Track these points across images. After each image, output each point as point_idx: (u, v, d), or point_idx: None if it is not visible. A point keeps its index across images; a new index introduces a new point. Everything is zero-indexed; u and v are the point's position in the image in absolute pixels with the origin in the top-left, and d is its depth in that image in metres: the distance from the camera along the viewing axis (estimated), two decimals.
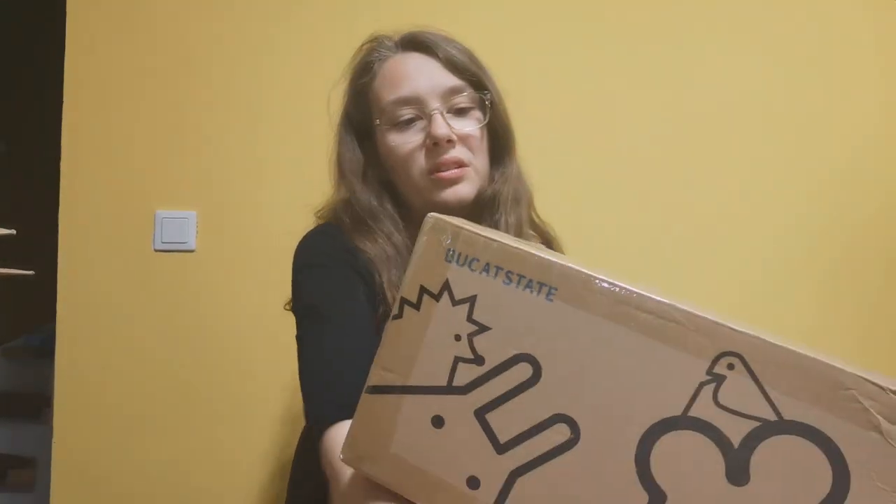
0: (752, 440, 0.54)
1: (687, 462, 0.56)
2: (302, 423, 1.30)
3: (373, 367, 0.67)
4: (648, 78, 1.79)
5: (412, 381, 0.65)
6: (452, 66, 1.07)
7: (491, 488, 0.61)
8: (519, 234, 1.11)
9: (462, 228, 0.64)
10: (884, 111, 1.81)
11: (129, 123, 1.72)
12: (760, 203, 1.78)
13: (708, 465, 0.55)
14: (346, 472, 0.76)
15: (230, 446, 1.68)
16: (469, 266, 0.63)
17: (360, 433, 0.67)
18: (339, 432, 0.83)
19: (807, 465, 0.53)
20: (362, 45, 1.16)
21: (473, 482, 0.62)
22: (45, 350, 2.72)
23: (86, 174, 1.70)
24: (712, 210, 1.77)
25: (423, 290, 0.65)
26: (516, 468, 0.60)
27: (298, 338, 1.01)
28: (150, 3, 1.74)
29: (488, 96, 1.09)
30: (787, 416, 0.53)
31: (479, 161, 1.08)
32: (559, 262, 0.61)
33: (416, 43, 1.10)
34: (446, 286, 0.64)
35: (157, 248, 1.69)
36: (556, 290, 0.60)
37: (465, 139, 1.06)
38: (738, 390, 0.55)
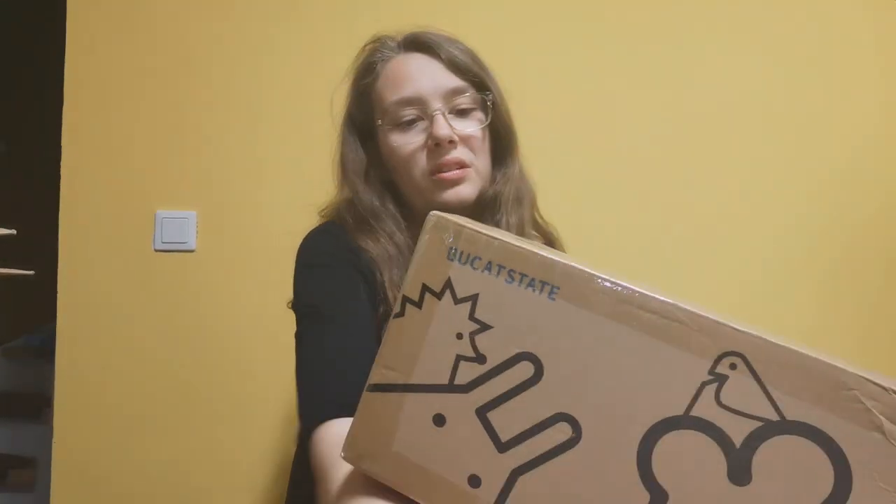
0: (754, 440, 0.54)
1: (689, 462, 0.56)
2: None
3: (374, 365, 0.67)
4: (648, 78, 1.79)
5: (414, 380, 0.64)
6: (455, 66, 1.07)
7: (492, 487, 0.61)
8: (521, 234, 1.11)
9: (464, 227, 0.64)
10: (884, 111, 1.81)
11: (130, 123, 1.72)
12: (760, 203, 1.78)
13: (710, 464, 0.55)
14: (337, 469, 0.76)
15: (230, 446, 1.68)
16: (471, 264, 0.63)
17: (361, 431, 0.67)
18: (330, 431, 0.83)
19: (809, 466, 0.53)
20: (365, 46, 1.16)
21: (475, 481, 0.62)
22: (45, 350, 2.72)
23: (86, 174, 1.70)
24: (712, 210, 1.78)
25: (425, 289, 0.65)
26: (517, 467, 0.60)
27: (297, 336, 1.01)
28: (150, 3, 1.74)
29: (490, 97, 1.09)
30: (789, 416, 0.53)
31: (480, 162, 1.08)
32: (562, 260, 0.61)
33: (418, 43, 1.10)
34: (448, 284, 0.63)
35: (157, 248, 1.69)
36: (558, 288, 0.60)
37: (466, 140, 1.06)
38: (740, 390, 0.55)
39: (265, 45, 1.74)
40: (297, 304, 1.04)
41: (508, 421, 0.61)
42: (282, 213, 1.70)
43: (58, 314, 1.68)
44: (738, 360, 0.55)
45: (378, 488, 0.68)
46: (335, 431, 0.83)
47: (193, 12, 1.74)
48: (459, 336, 0.63)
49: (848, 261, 1.79)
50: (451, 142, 1.04)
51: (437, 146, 1.04)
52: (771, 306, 1.77)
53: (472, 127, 1.07)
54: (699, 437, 0.55)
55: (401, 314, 0.66)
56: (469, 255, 0.63)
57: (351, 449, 0.67)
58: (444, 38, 1.10)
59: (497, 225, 1.09)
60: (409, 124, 1.06)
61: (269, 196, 1.71)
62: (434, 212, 0.66)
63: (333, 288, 1.00)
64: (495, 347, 0.62)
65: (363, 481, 0.70)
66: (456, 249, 0.64)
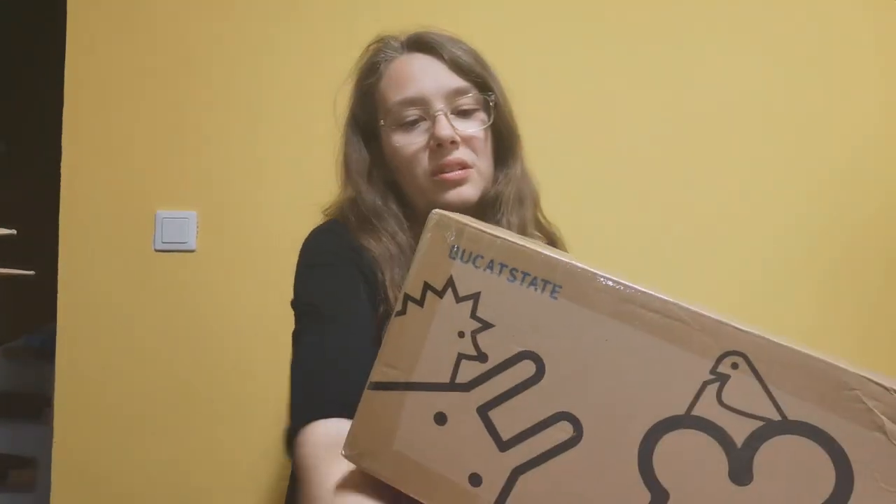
0: (756, 440, 0.54)
1: (690, 461, 0.56)
2: None
3: (375, 363, 0.67)
4: (648, 78, 1.79)
5: (415, 378, 0.64)
6: (457, 67, 1.07)
7: (493, 486, 0.61)
8: (522, 234, 1.11)
9: (467, 225, 0.64)
10: (884, 111, 1.81)
11: (130, 123, 1.72)
12: (760, 203, 1.78)
13: (711, 464, 0.55)
14: (320, 470, 0.76)
15: (230, 446, 1.68)
16: (473, 263, 0.63)
17: (361, 430, 0.67)
18: (317, 431, 0.83)
19: (810, 466, 0.53)
20: (369, 46, 1.17)
21: (475, 479, 0.62)
22: (45, 351, 2.72)
23: (86, 174, 1.70)
24: (712, 210, 1.77)
25: (426, 287, 0.65)
26: (518, 466, 0.60)
27: (294, 334, 1.01)
28: (150, 3, 1.74)
29: (493, 97, 1.10)
30: (790, 415, 0.53)
31: (482, 162, 1.08)
32: (564, 259, 0.61)
33: (421, 44, 1.11)
34: (450, 283, 0.63)
35: (157, 248, 1.69)
36: (560, 287, 0.60)
37: (468, 140, 1.06)
38: (741, 390, 0.55)
39: (265, 45, 1.74)
40: (296, 303, 1.04)
41: (509, 420, 0.61)
42: (282, 213, 1.70)
43: (58, 314, 1.68)
44: (739, 360, 0.55)
45: (362, 490, 0.68)
46: (322, 432, 0.83)
47: (193, 12, 1.74)
48: (461, 334, 0.63)
49: (848, 261, 1.78)
50: (453, 142, 1.04)
51: (439, 147, 1.04)
52: (771, 306, 1.77)
53: (475, 127, 1.07)
54: (700, 436, 0.56)
55: (402, 312, 0.66)
56: (471, 253, 0.63)
57: (351, 447, 0.67)
58: (448, 39, 1.10)
59: (497, 225, 1.09)
60: (412, 125, 1.06)
61: (269, 196, 1.71)
62: (436, 210, 0.66)
63: (333, 287, 1.00)
64: (497, 346, 0.62)
65: (347, 483, 0.70)
66: (458, 248, 0.64)
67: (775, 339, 0.54)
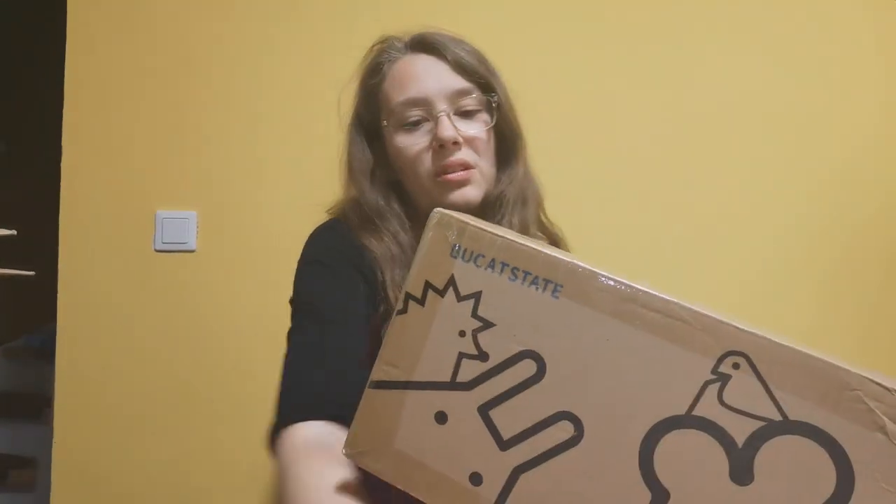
0: (757, 440, 0.54)
1: (690, 461, 0.56)
2: None
3: (377, 362, 0.67)
4: (648, 78, 1.79)
5: (416, 377, 0.64)
6: (460, 68, 1.07)
7: (493, 485, 0.61)
8: (524, 234, 1.11)
9: (468, 224, 0.64)
10: (884, 111, 1.81)
11: (130, 123, 1.72)
12: (760, 203, 1.78)
13: (712, 464, 0.55)
14: (297, 469, 0.77)
15: (230, 446, 1.68)
16: (475, 262, 0.63)
17: (362, 428, 0.67)
18: (298, 433, 0.84)
19: (811, 466, 0.53)
20: (373, 46, 1.17)
21: (476, 478, 0.62)
22: (45, 351, 2.72)
23: (86, 174, 1.70)
24: (712, 210, 1.77)
25: (427, 286, 0.65)
26: (519, 465, 0.60)
27: (289, 331, 1.01)
28: (150, 3, 1.74)
29: (496, 98, 1.09)
30: (791, 416, 0.53)
31: (484, 163, 1.08)
32: (565, 259, 0.61)
33: (424, 44, 1.10)
34: (451, 282, 0.63)
35: (157, 248, 1.69)
36: (561, 287, 0.60)
37: (471, 141, 1.06)
38: (743, 390, 0.55)
39: (265, 45, 1.74)
40: (293, 300, 1.04)
41: (510, 419, 0.61)
42: (282, 213, 1.70)
43: (58, 314, 1.68)
44: (741, 360, 0.55)
45: (337, 490, 0.69)
46: (301, 434, 0.83)
47: (193, 12, 1.74)
48: (462, 333, 0.63)
49: (848, 261, 1.78)
50: (456, 143, 1.04)
51: (441, 147, 1.04)
52: (771, 306, 1.77)
53: (477, 128, 1.07)
54: (701, 436, 0.56)
55: (403, 311, 0.66)
56: (472, 252, 0.63)
57: (352, 446, 0.67)
58: (451, 39, 1.10)
59: (499, 225, 1.09)
60: (415, 125, 1.06)
61: (269, 196, 1.71)
62: (438, 209, 0.66)
63: (328, 286, 1.00)
64: (498, 345, 0.62)
65: (321, 484, 0.72)
66: (459, 247, 0.64)
67: (777, 340, 0.54)
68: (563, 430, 0.59)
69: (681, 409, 0.56)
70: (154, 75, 1.72)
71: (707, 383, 0.55)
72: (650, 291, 0.58)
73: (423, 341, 0.64)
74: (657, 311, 0.57)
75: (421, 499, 0.64)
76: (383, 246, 1.04)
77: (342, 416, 0.83)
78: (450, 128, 1.03)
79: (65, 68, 1.71)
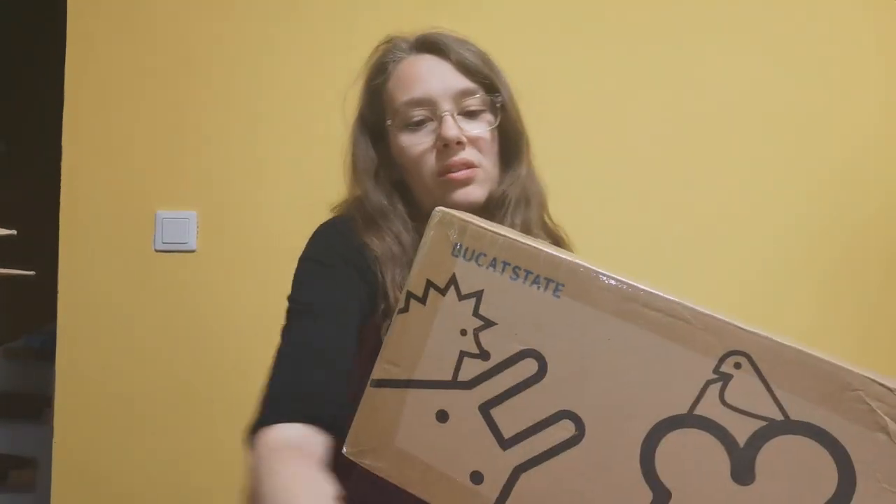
0: (758, 439, 0.54)
1: (692, 460, 0.56)
2: None
3: (377, 360, 0.67)
4: (648, 78, 1.79)
5: (417, 376, 0.64)
6: (465, 68, 1.07)
7: (494, 483, 0.61)
8: (528, 234, 1.11)
9: (469, 223, 0.64)
10: (884, 111, 1.81)
11: (129, 123, 1.72)
12: (760, 203, 1.78)
13: (713, 463, 0.55)
14: (264, 470, 0.77)
15: (230, 446, 1.67)
16: (476, 261, 0.63)
17: (363, 427, 0.67)
18: (272, 434, 0.84)
19: (812, 466, 0.53)
20: (378, 46, 1.17)
21: (477, 477, 0.62)
22: (45, 351, 2.72)
23: (86, 174, 1.70)
24: (712, 210, 1.77)
25: (429, 284, 0.64)
26: (520, 464, 0.60)
27: (282, 328, 1.01)
28: (150, 3, 1.74)
29: (499, 99, 1.10)
30: (793, 416, 0.53)
31: (488, 163, 1.08)
32: (567, 258, 0.61)
33: (429, 45, 1.11)
34: (453, 280, 0.63)
35: (157, 248, 1.69)
36: (563, 286, 0.60)
37: (474, 141, 1.06)
38: (744, 389, 0.55)
39: (265, 45, 1.74)
40: (289, 297, 1.04)
41: (511, 418, 0.61)
42: (282, 213, 1.70)
43: (58, 314, 1.68)
44: (743, 360, 0.55)
45: (301, 488, 0.70)
46: (273, 436, 0.83)
47: (193, 12, 1.74)
48: (463, 332, 0.63)
49: (848, 261, 1.78)
50: (460, 143, 1.04)
51: (445, 147, 1.04)
52: (771, 306, 1.77)
53: (481, 128, 1.07)
54: (703, 435, 0.55)
55: (405, 310, 0.66)
56: (474, 251, 0.63)
57: (353, 444, 0.67)
58: (455, 40, 1.11)
59: (502, 225, 1.09)
60: (419, 125, 1.06)
61: (269, 196, 1.71)
62: (439, 208, 0.66)
63: (324, 287, 1.00)
64: (499, 344, 0.62)
65: (296, 487, 0.72)
66: (461, 245, 0.64)
67: (778, 339, 0.54)
68: (564, 430, 0.59)
69: (682, 409, 0.56)
70: (154, 75, 1.73)
71: (708, 383, 0.55)
72: (652, 291, 0.58)
73: (425, 340, 0.64)
74: (659, 311, 0.57)
75: (421, 497, 0.64)
76: (385, 245, 1.04)
77: (321, 419, 0.84)
78: (454, 127, 1.03)
79: (65, 68, 1.71)
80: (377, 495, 0.84)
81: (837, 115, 1.80)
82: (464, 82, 1.06)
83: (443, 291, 0.64)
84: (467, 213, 0.67)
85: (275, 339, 1.64)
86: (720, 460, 0.55)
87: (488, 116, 1.09)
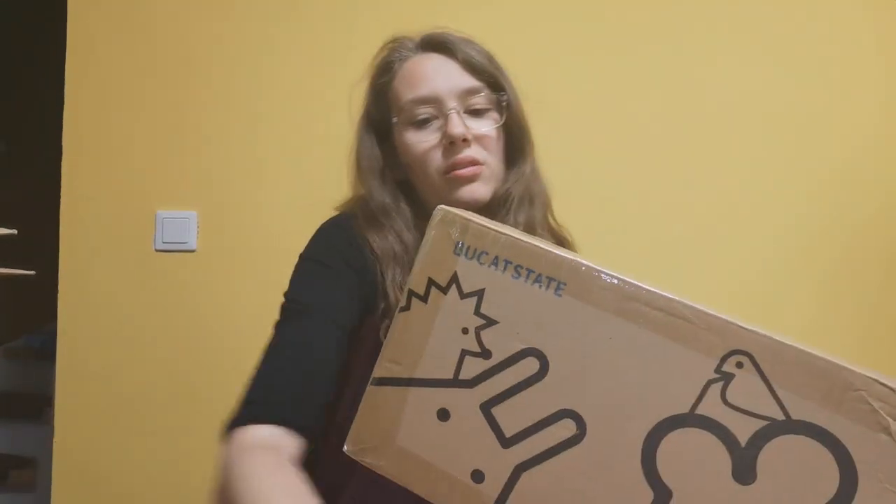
0: (760, 439, 0.54)
1: (693, 460, 0.56)
2: None
3: (379, 358, 0.67)
4: (648, 78, 1.79)
5: (418, 374, 0.64)
6: (471, 67, 1.07)
7: (495, 482, 0.61)
8: (530, 234, 1.11)
9: (471, 221, 0.64)
10: (884, 111, 1.81)
11: (130, 123, 1.72)
12: (760, 203, 1.78)
13: (714, 463, 0.55)
14: (234, 467, 0.78)
15: None
16: (478, 259, 0.63)
17: (364, 425, 0.67)
18: (244, 434, 0.85)
19: (814, 466, 0.53)
20: (384, 46, 1.17)
21: (478, 476, 0.62)
22: (45, 351, 2.72)
23: (86, 174, 1.70)
24: (712, 210, 1.77)
25: (430, 283, 0.64)
26: (521, 463, 0.60)
27: (274, 324, 1.01)
28: (150, 3, 1.74)
29: (505, 97, 1.10)
30: (795, 415, 0.53)
31: (493, 161, 1.08)
32: (569, 256, 0.61)
33: (435, 44, 1.11)
34: (454, 279, 0.63)
35: (157, 248, 1.69)
36: (565, 285, 0.60)
37: (480, 139, 1.06)
38: (746, 389, 0.54)
39: (265, 45, 1.74)
40: (285, 294, 1.04)
41: (513, 416, 0.61)
42: (282, 213, 1.70)
43: (58, 314, 1.68)
44: (744, 359, 0.55)
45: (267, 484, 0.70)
46: (246, 437, 0.85)
47: (193, 12, 1.74)
48: (465, 331, 0.63)
49: (848, 261, 1.78)
50: (466, 140, 1.04)
51: (451, 144, 1.04)
52: (771, 306, 1.77)
53: (487, 126, 1.07)
54: (704, 435, 0.55)
55: (406, 308, 0.66)
56: (476, 249, 0.63)
57: (354, 443, 0.67)
58: (461, 40, 1.11)
59: (505, 223, 1.09)
60: (424, 123, 1.07)
61: (269, 196, 1.71)
62: (441, 206, 0.66)
63: (318, 287, 1.00)
64: (501, 343, 0.62)
65: (267, 486, 0.72)
66: (463, 244, 0.64)
67: (781, 339, 0.54)
68: (566, 429, 0.59)
69: (683, 408, 0.56)
70: (154, 75, 1.73)
71: (710, 382, 0.55)
72: (653, 290, 0.58)
73: (426, 338, 0.64)
74: (660, 310, 0.57)
75: (422, 496, 0.64)
76: (386, 244, 1.04)
77: (293, 422, 0.86)
78: (460, 125, 1.03)
79: (65, 68, 1.71)
80: (378, 494, 0.84)
81: (837, 115, 1.80)
82: (470, 81, 1.07)
83: (444, 290, 0.64)
84: (469, 212, 0.67)
85: None
86: (721, 460, 0.55)
87: (494, 115, 1.09)
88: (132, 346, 1.68)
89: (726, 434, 0.55)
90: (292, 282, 1.03)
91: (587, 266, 0.60)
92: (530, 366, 0.60)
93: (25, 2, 3.10)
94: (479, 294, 0.62)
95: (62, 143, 1.70)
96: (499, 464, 0.61)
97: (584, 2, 1.79)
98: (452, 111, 1.04)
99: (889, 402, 0.51)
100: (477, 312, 0.62)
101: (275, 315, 1.27)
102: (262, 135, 1.73)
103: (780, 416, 0.54)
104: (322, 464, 1.00)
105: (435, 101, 1.05)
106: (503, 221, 1.09)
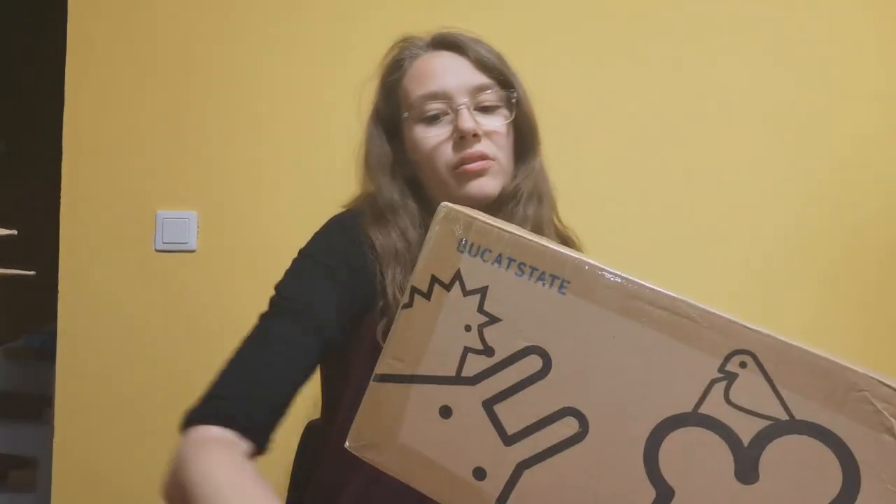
0: (763, 439, 0.54)
1: (696, 459, 0.56)
2: (302, 424, 1.30)
3: (381, 355, 0.67)
4: (648, 78, 1.79)
5: (421, 371, 0.64)
6: (481, 65, 1.08)
7: (497, 480, 0.61)
8: (538, 232, 1.11)
9: (475, 218, 0.64)
10: (884, 111, 1.80)
11: (130, 123, 1.72)
12: (760, 203, 1.78)
13: (717, 462, 0.55)
14: (189, 461, 0.78)
15: None
16: (481, 257, 0.63)
17: (366, 422, 0.67)
18: (199, 432, 0.86)
19: (817, 466, 0.53)
20: (394, 44, 1.18)
21: (480, 473, 0.62)
22: (45, 351, 2.72)
23: (86, 174, 1.70)
24: (712, 209, 1.77)
25: (434, 280, 0.64)
26: (523, 460, 0.60)
27: (260, 315, 1.01)
28: (151, 4, 1.74)
29: (514, 95, 1.10)
30: (798, 415, 0.53)
31: (503, 156, 1.09)
32: (572, 255, 0.61)
33: (446, 42, 1.12)
34: (458, 276, 0.63)
35: (158, 248, 1.69)
36: (568, 283, 0.60)
37: (490, 134, 1.07)
38: (749, 389, 0.54)
39: (265, 45, 1.74)
40: (276, 286, 1.04)
41: (515, 414, 0.61)
42: (282, 213, 1.69)
43: (58, 314, 1.67)
44: (748, 359, 0.55)
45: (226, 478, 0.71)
46: (199, 432, 0.86)
47: (193, 12, 1.74)
48: (468, 328, 0.63)
49: (848, 260, 1.78)
50: (476, 135, 1.04)
51: (461, 139, 1.04)
52: (771, 306, 1.76)
53: (497, 122, 1.08)
54: (707, 434, 0.55)
55: (409, 305, 0.66)
56: (479, 247, 0.63)
57: (356, 439, 0.67)
58: (471, 39, 1.12)
59: (512, 217, 1.10)
60: (434, 119, 1.07)
61: (269, 196, 1.71)
62: (445, 203, 0.66)
63: (309, 286, 1.00)
64: (503, 340, 0.62)
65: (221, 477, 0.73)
66: (466, 241, 0.64)
67: (784, 339, 0.54)
68: (568, 427, 0.59)
69: (687, 407, 0.56)
70: (154, 75, 1.72)
71: (713, 381, 0.55)
72: (657, 289, 0.58)
73: (429, 335, 0.64)
74: (664, 309, 0.57)
75: (424, 493, 0.64)
76: (389, 241, 1.04)
77: (241, 426, 0.86)
78: (470, 119, 1.04)
79: (65, 68, 1.71)
80: (380, 491, 0.84)
81: (837, 115, 1.80)
82: (480, 78, 1.08)
83: (448, 287, 0.64)
84: (473, 209, 0.67)
85: None
86: (724, 459, 0.55)
87: (504, 111, 1.10)
88: (132, 346, 1.68)
89: (729, 433, 0.55)
90: (286, 276, 1.03)
91: (591, 264, 0.60)
92: (533, 363, 0.60)
93: (25, 2, 3.10)
94: (483, 291, 0.62)
95: (62, 143, 1.70)
96: (501, 461, 0.61)
97: (584, 2, 1.79)
98: (463, 106, 1.05)
99: (892, 403, 0.51)
100: (480, 310, 0.62)
101: None
102: (263, 135, 1.73)
103: (784, 416, 0.54)
104: (323, 462, 1.00)
105: (445, 97, 1.06)
106: (512, 215, 1.09)
